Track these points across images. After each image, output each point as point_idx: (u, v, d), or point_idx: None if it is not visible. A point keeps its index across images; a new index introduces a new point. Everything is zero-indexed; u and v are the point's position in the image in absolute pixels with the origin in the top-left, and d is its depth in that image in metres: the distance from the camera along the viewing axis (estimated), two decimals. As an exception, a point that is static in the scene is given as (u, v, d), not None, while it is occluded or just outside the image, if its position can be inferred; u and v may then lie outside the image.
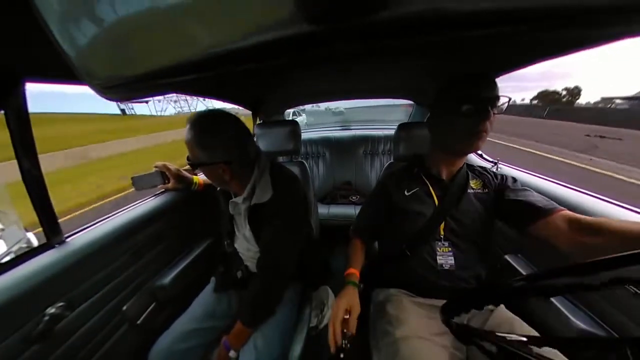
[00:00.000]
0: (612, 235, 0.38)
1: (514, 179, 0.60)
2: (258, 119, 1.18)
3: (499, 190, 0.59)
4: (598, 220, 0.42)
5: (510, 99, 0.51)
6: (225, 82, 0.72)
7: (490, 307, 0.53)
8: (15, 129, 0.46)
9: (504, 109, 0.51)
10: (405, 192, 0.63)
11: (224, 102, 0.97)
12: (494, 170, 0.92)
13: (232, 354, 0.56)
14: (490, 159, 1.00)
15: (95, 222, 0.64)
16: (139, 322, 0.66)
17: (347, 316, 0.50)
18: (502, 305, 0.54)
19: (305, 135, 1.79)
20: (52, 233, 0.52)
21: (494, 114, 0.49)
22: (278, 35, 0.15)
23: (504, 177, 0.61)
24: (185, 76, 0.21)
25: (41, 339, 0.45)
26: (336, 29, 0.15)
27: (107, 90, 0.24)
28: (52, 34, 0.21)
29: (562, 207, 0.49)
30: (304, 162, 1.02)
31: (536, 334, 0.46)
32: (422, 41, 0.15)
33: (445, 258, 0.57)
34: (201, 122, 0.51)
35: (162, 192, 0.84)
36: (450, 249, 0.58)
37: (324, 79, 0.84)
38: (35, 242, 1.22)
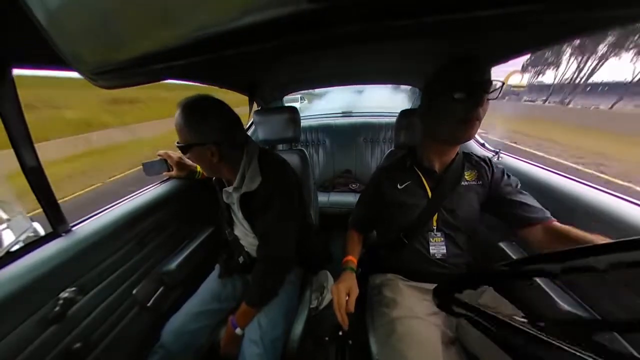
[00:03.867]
0: (573, 243, 0.42)
1: (510, 176, 0.59)
2: (255, 106, 1.15)
3: (495, 184, 0.58)
4: (572, 232, 0.47)
5: (503, 84, 0.49)
6: (221, 66, 0.69)
7: (480, 290, 0.56)
8: (7, 117, 0.45)
9: (498, 94, 0.49)
10: (398, 186, 0.62)
11: (219, 87, 0.94)
12: (495, 159, 0.91)
13: (238, 331, 0.60)
14: (492, 149, 0.99)
15: (99, 210, 0.65)
16: (149, 304, 0.69)
17: (347, 298, 0.52)
18: (491, 289, 0.56)
19: (304, 122, 1.75)
20: (57, 222, 0.53)
21: (487, 99, 0.47)
22: (279, 14, 0.14)
23: (501, 172, 0.59)
24: (179, 60, 0.20)
25: (57, 321, 0.48)
26: (336, 8, 0.14)
27: (96, 76, 0.23)
28: (35, 16, 0.19)
29: (550, 217, 0.52)
30: (304, 150, 1.01)
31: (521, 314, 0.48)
32: (426, 22, 0.14)
33: (437, 248, 0.59)
34: (191, 105, 0.52)
35: (166, 180, 0.85)
36: (442, 239, 0.59)
37: (323, 63, 0.81)
38: (41, 231, 1.25)
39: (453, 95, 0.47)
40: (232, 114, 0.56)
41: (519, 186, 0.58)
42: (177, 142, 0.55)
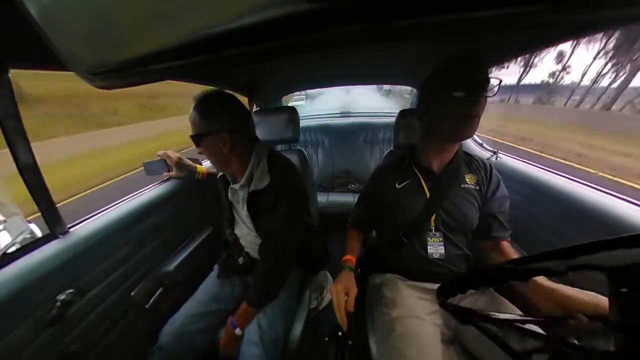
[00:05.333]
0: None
1: (503, 189, 0.59)
2: (255, 106, 1.15)
3: (488, 195, 0.59)
4: (507, 253, 0.56)
5: (501, 82, 0.49)
6: (220, 67, 0.69)
7: (480, 290, 0.56)
8: (3, 117, 0.44)
9: (496, 92, 0.50)
10: (397, 185, 0.62)
11: (219, 88, 0.94)
12: (494, 159, 0.92)
13: (237, 331, 0.60)
14: (490, 149, 0.99)
15: (97, 212, 0.65)
16: (147, 306, 0.69)
17: (346, 297, 0.52)
18: (491, 289, 0.57)
19: (303, 122, 1.75)
20: (54, 224, 0.53)
21: (485, 97, 0.48)
22: (278, 14, 0.14)
23: (497, 184, 0.60)
24: (178, 60, 0.20)
25: (54, 323, 0.47)
26: (335, 8, 0.14)
27: (94, 77, 0.23)
28: (32, 16, 0.19)
29: (506, 236, 0.59)
30: (303, 150, 1.01)
31: (520, 313, 0.49)
32: (426, 23, 0.14)
33: (435, 248, 0.59)
34: (205, 97, 0.56)
35: (166, 180, 0.84)
36: (440, 239, 0.59)
37: (322, 64, 0.81)
38: (38, 233, 1.24)
39: (452, 94, 0.47)
40: (243, 106, 0.60)
41: (505, 205, 0.59)
42: (191, 134, 0.57)
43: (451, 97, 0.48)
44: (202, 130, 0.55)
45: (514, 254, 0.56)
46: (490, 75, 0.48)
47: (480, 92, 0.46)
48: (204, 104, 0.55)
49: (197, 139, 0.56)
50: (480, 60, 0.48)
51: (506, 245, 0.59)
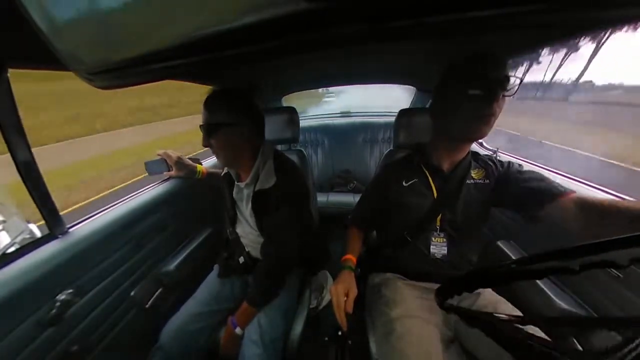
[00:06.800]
0: (619, 215, 0.37)
1: (520, 165, 0.56)
2: None
3: (504, 177, 0.55)
4: (604, 201, 0.41)
5: (521, 81, 0.47)
6: (220, 66, 0.69)
7: (479, 290, 0.56)
8: (2, 116, 0.44)
9: (515, 91, 0.47)
10: (404, 183, 0.61)
11: (219, 87, 0.94)
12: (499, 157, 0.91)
13: (238, 330, 0.60)
14: (490, 148, 0.99)
15: (97, 212, 0.65)
16: (147, 306, 0.69)
17: (345, 298, 0.52)
18: (489, 289, 0.56)
19: (303, 122, 1.76)
20: (54, 224, 0.53)
21: (503, 96, 0.46)
22: (275, 14, 0.14)
23: (509, 164, 0.56)
24: (178, 60, 0.20)
25: (54, 323, 0.47)
26: (336, 8, 0.14)
27: (93, 76, 0.23)
28: (31, 16, 0.19)
29: (573, 190, 0.46)
30: (303, 150, 1.01)
31: (520, 314, 0.49)
32: (425, 23, 0.14)
33: (438, 248, 0.58)
34: (227, 90, 0.58)
35: (166, 180, 0.85)
36: (444, 239, 0.58)
37: (323, 63, 0.81)
38: (38, 233, 1.24)
39: (467, 92, 0.45)
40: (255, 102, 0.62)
41: (533, 173, 0.52)
42: (207, 123, 0.56)
43: (467, 96, 0.45)
44: (223, 120, 0.54)
45: (607, 201, 0.42)
46: (509, 75, 0.45)
47: (497, 91, 0.44)
48: (225, 95, 0.56)
49: (213, 128, 0.55)
50: (498, 57, 0.46)
51: (585, 196, 0.44)
